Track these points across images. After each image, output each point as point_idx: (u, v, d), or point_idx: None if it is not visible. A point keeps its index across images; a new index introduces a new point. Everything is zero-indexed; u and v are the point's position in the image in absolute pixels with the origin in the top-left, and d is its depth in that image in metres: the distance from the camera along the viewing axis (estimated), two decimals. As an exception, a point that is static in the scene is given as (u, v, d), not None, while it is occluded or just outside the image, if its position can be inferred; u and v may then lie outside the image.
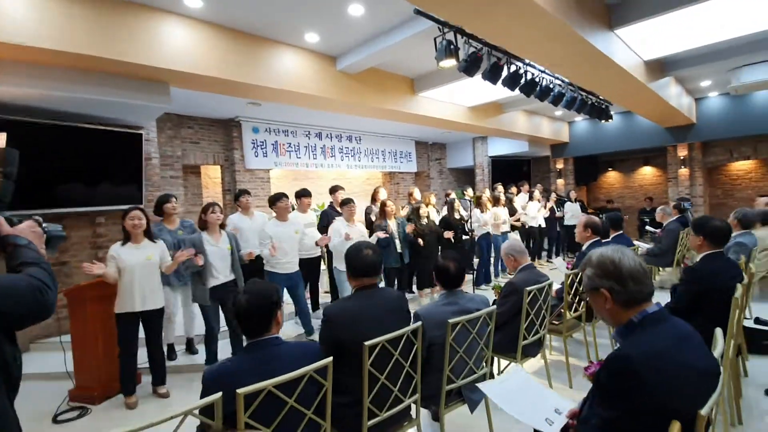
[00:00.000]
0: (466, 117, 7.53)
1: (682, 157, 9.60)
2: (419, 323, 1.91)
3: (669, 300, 3.99)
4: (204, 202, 7.93)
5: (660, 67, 6.20)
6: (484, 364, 2.21)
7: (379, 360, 1.74)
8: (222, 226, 3.61)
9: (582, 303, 3.15)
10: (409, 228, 4.95)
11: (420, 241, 5.00)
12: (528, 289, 2.52)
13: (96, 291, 3.10)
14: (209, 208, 3.49)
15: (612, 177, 11.93)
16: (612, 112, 7.57)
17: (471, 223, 5.87)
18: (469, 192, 7.65)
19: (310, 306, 4.67)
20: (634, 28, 4.53)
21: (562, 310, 3.04)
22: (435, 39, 3.78)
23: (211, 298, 3.44)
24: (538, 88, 5.13)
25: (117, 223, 4.78)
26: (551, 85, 5.37)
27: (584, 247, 3.48)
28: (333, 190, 5.29)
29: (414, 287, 5.64)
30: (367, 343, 1.70)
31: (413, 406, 2.00)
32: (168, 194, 3.91)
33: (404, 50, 4.85)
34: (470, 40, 3.98)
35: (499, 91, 7.21)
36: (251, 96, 5.08)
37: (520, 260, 2.74)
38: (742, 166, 9.95)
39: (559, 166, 11.43)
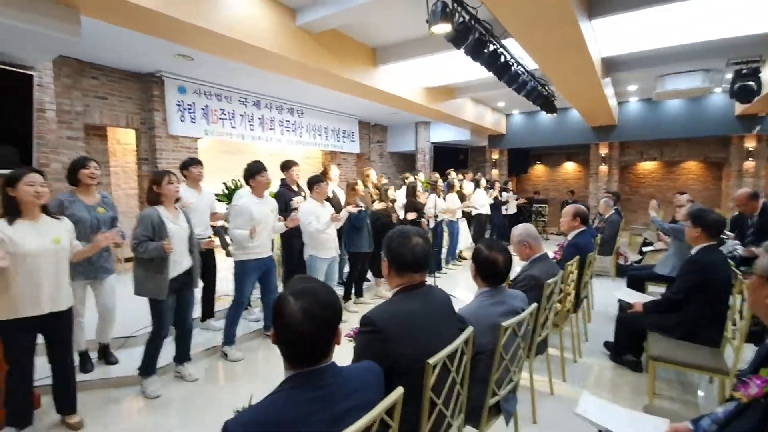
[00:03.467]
0: (421, 97, 7.24)
1: (603, 155, 10.48)
2: (471, 329, 1.52)
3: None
4: (111, 173, 6.61)
5: (606, 67, 6.51)
6: (517, 370, 1.91)
7: (437, 380, 1.32)
8: (177, 200, 2.86)
9: (572, 293, 3.04)
10: (380, 205, 4.54)
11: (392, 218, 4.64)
12: (548, 282, 2.29)
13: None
14: (165, 178, 2.72)
15: (539, 170, 12.70)
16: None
17: (436, 208, 5.63)
18: (420, 177, 7.41)
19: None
20: (601, 22, 4.58)
21: (559, 303, 2.90)
22: (427, 0, 3.34)
23: (168, 291, 2.72)
24: (508, 73, 4.99)
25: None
26: (520, 71, 5.28)
27: (570, 237, 3.40)
28: (286, 165, 4.59)
29: (369, 274, 5.27)
30: (431, 360, 1.27)
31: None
32: (86, 157, 2.92)
33: (373, 12, 4.32)
34: (459, 8, 3.62)
35: (453, 75, 7.09)
36: (187, 42, 4.13)
37: (535, 249, 2.48)
38: (647, 167, 11.21)
39: (495, 156, 11.81)
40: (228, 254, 3.59)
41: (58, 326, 2.28)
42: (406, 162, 12.00)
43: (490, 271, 1.77)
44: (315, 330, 0.96)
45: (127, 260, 6.24)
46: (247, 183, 3.40)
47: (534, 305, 1.86)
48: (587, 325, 3.90)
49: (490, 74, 5.41)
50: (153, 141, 6.21)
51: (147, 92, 6.16)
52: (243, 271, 3.32)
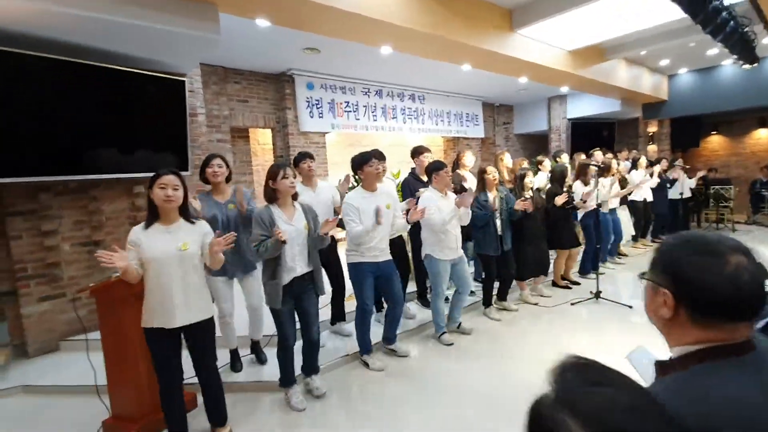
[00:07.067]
0: (563, 64, 6.11)
1: (824, 115, 7.74)
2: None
3: None
4: (254, 171, 7.08)
5: None
6: None
7: None
8: (295, 197, 2.60)
9: None
10: (524, 204, 3.82)
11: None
12: None
13: (132, 288, 2.18)
14: (279, 172, 2.44)
15: (715, 142, 10.10)
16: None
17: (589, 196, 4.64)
18: (563, 159, 6.32)
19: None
20: None
21: None
22: None
23: (285, 297, 2.49)
24: (705, 9, 3.72)
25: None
26: (719, 6, 3.92)
27: None
28: (417, 152, 4.19)
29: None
30: None
31: None
32: (212, 154, 2.90)
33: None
34: None
35: (605, 31, 5.79)
36: (313, 28, 3.93)
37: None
38: None
39: (652, 129, 9.71)
40: None
41: (196, 337, 2.18)
42: (536, 144, 10.67)
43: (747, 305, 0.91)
44: None
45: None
46: (356, 176, 3.14)
47: None
48: None
49: (654, 24, 4.11)
50: (287, 139, 6.42)
51: (280, 92, 6.38)
52: (357, 274, 3.00)
